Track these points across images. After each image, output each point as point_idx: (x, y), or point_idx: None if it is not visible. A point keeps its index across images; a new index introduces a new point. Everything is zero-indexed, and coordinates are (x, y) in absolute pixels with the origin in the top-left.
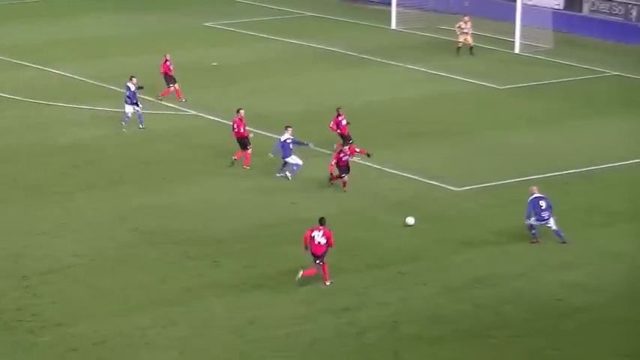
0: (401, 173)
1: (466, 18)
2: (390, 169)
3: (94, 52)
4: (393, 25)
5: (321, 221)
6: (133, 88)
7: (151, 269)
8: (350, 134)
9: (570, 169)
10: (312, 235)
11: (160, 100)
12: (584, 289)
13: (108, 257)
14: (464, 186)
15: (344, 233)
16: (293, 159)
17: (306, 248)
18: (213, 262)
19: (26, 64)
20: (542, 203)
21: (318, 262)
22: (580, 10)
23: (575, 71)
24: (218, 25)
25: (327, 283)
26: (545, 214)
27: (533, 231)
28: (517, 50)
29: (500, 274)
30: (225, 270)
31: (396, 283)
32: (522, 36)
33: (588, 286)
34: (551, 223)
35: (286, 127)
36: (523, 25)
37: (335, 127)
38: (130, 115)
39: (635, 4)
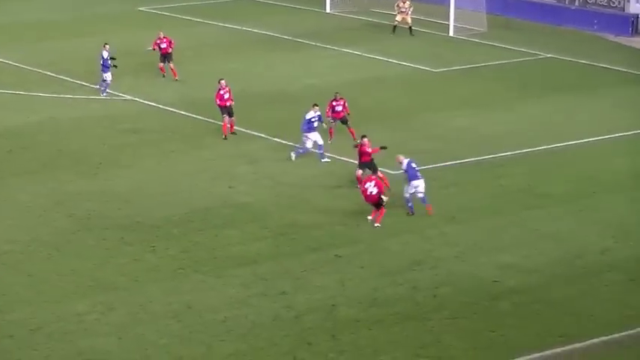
0: (338, 157)
1: None
2: (327, 152)
3: (27, 36)
4: (328, 9)
5: (374, 169)
6: (105, 55)
7: (88, 255)
8: (347, 118)
9: (505, 152)
10: (366, 187)
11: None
12: (519, 271)
13: (44, 243)
14: (399, 169)
15: (280, 217)
16: (315, 136)
17: (366, 199)
18: (150, 247)
19: None
20: (414, 165)
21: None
22: None
23: (509, 54)
24: (152, 9)
25: (376, 225)
26: (419, 174)
27: (410, 203)
28: (451, 33)
29: (437, 256)
30: (162, 255)
31: (333, 267)
32: (456, 19)
33: (524, 267)
34: (422, 188)
35: (313, 105)
36: (457, 8)
37: (329, 112)
38: (109, 80)
39: None
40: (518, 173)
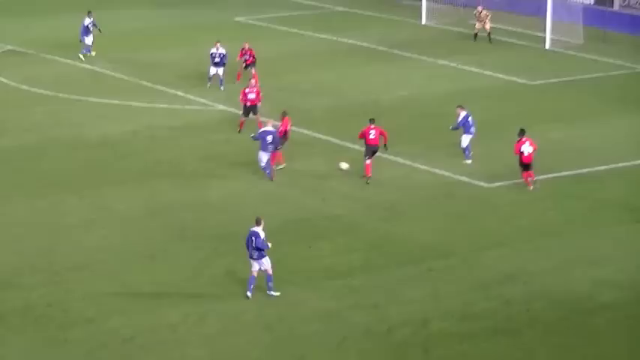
0: (431, 169)
1: (479, 8)
2: (421, 164)
3: (125, 46)
4: (424, 21)
5: (522, 132)
6: (86, 22)
7: (181, 265)
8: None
9: (602, 165)
10: (521, 149)
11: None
12: (614, 286)
13: (138, 253)
14: (494, 182)
15: (373, 230)
16: None
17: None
18: (243, 259)
19: (57, 58)
20: (269, 138)
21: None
22: (611, 6)
23: (606, 67)
24: (249, 20)
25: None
26: (271, 147)
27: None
28: (547, 46)
29: (531, 270)
30: None
31: (425, 280)
32: (553, 31)
33: (619, 282)
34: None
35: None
36: (554, 21)
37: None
38: (90, 45)
39: None
40: (615, 187)
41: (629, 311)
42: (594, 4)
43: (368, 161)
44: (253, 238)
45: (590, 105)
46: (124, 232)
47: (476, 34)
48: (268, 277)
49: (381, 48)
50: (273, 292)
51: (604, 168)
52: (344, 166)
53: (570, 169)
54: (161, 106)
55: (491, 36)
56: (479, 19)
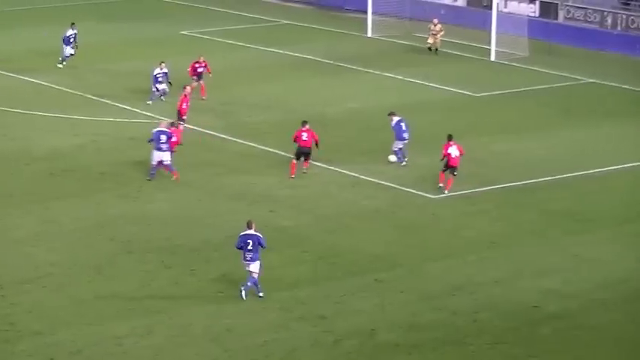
0: (377, 181)
1: (435, 21)
2: (367, 176)
3: (70, 60)
4: (369, 33)
5: (450, 137)
6: (68, 33)
7: (129, 278)
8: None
9: (548, 177)
10: (448, 151)
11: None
12: (560, 296)
13: (85, 266)
14: (440, 194)
15: (320, 241)
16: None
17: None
18: (190, 271)
19: (2, 72)
20: (163, 137)
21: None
22: (556, 18)
23: (551, 78)
24: (194, 33)
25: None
26: (164, 146)
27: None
28: (493, 58)
29: (477, 281)
30: (202, 278)
31: (373, 291)
32: (498, 43)
33: (565, 292)
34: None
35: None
36: (498, 33)
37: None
38: (68, 55)
39: (611, 12)
40: (560, 198)
41: (575, 321)
42: (539, 16)
43: (295, 161)
44: (250, 241)
45: (536, 116)
46: (70, 245)
47: (430, 48)
48: (253, 280)
49: (327, 61)
50: (260, 294)
51: (549, 179)
52: (392, 159)
53: (516, 180)
54: (107, 119)
55: (438, 49)
56: (432, 32)
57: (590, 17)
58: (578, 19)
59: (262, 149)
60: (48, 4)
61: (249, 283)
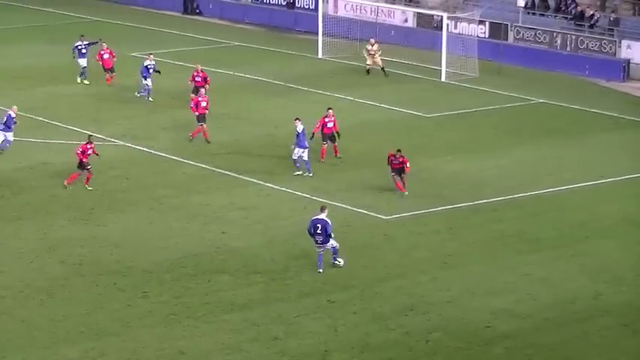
0: (329, 202)
1: (372, 41)
2: (318, 197)
3: (18, 82)
4: (320, 54)
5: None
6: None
7: (80, 301)
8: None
9: (497, 197)
10: (390, 159)
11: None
12: (512, 316)
13: (36, 289)
14: (393, 214)
15: (272, 262)
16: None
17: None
18: (142, 293)
19: None
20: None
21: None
22: (505, 39)
23: (500, 99)
24: (144, 55)
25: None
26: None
27: (298, 164)
28: (443, 78)
29: (429, 301)
30: (155, 301)
31: (325, 312)
32: (448, 64)
33: (516, 312)
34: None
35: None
36: (449, 54)
37: (319, 127)
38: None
39: (560, 32)
40: (510, 218)
41: (527, 340)
42: (489, 37)
43: (325, 145)
44: (319, 225)
45: (486, 137)
46: (20, 268)
47: (368, 70)
48: (334, 249)
49: (277, 82)
50: (339, 260)
51: (500, 199)
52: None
53: (467, 200)
54: (57, 141)
55: (386, 69)
56: (370, 52)
57: (539, 38)
58: (528, 40)
59: (213, 170)
60: None
61: (329, 260)
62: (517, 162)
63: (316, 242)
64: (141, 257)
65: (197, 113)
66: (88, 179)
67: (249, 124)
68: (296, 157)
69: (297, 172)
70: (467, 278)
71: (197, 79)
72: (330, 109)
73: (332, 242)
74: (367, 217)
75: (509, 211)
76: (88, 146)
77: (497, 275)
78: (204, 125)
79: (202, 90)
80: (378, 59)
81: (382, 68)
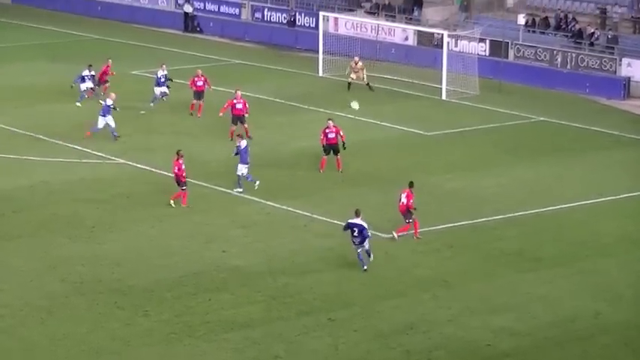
0: (329, 220)
1: (356, 59)
2: (320, 215)
3: (19, 100)
4: (321, 72)
5: (410, 184)
6: (84, 73)
7: (81, 319)
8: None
9: (498, 215)
10: (400, 196)
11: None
12: (512, 334)
13: (36, 308)
14: (393, 232)
15: (273, 281)
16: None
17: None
18: (143, 312)
19: None
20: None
21: (407, 221)
22: (506, 57)
23: (501, 117)
24: (145, 73)
25: (396, 235)
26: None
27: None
28: (444, 96)
29: (430, 319)
30: (155, 319)
31: (326, 330)
32: (449, 82)
33: (516, 331)
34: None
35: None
36: (449, 72)
37: (324, 139)
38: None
39: (560, 50)
40: (511, 236)
41: (527, 359)
42: (489, 55)
43: (325, 157)
44: (356, 229)
45: (486, 154)
46: (21, 286)
47: (349, 84)
48: (368, 252)
49: (278, 100)
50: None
51: (500, 217)
52: (355, 105)
53: (467, 218)
54: (58, 159)
55: (371, 84)
56: (354, 69)
57: (540, 56)
58: (528, 58)
59: (213, 189)
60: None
61: (365, 259)
62: (517, 180)
63: (354, 243)
64: (141, 276)
65: (233, 115)
66: (184, 198)
67: (250, 142)
68: (240, 174)
69: (238, 189)
70: (467, 297)
71: (198, 83)
72: (329, 119)
73: (367, 244)
74: None
75: (510, 230)
76: (180, 161)
77: (497, 294)
78: (245, 125)
79: (239, 92)
80: (362, 74)
81: (367, 84)
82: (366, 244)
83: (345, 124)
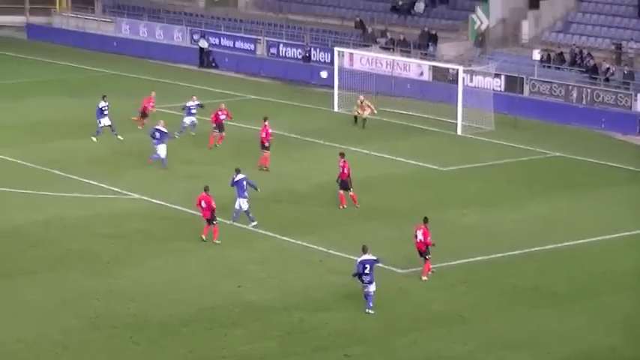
0: (345, 255)
1: (362, 97)
2: (335, 250)
3: (34, 135)
4: (336, 108)
5: (425, 220)
6: (101, 105)
7: (96, 354)
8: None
9: (513, 250)
10: (415, 233)
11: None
12: None
13: (52, 342)
14: (408, 267)
15: (288, 316)
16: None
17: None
18: (159, 347)
19: None
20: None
21: (426, 257)
22: (521, 92)
23: (516, 152)
24: (162, 108)
25: (423, 278)
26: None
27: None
28: (459, 132)
29: (445, 355)
30: (171, 354)
31: None
32: (464, 118)
33: None
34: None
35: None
36: (464, 107)
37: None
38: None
39: (576, 86)
40: (526, 272)
41: None
42: (504, 90)
43: (342, 192)
44: (368, 265)
45: (502, 190)
46: (36, 322)
47: (356, 118)
48: (370, 297)
49: (293, 135)
50: (370, 311)
51: (516, 253)
52: (324, 74)
53: (483, 254)
54: (73, 195)
55: (369, 117)
56: (360, 106)
57: (555, 91)
58: (544, 93)
59: (229, 224)
60: (15, 80)
61: (370, 304)
62: (532, 215)
63: (363, 282)
64: (157, 310)
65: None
66: (215, 233)
67: (265, 177)
68: (238, 207)
69: (253, 223)
70: (483, 332)
71: (221, 117)
72: (341, 154)
73: (372, 287)
74: (383, 270)
75: (525, 265)
76: (203, 194)
77: (513, 329)
78: (266, 153)
79: (267, 122)
80: (368, 111)
81: (363, 119)
82: (372, 288)
83: (360, 159)
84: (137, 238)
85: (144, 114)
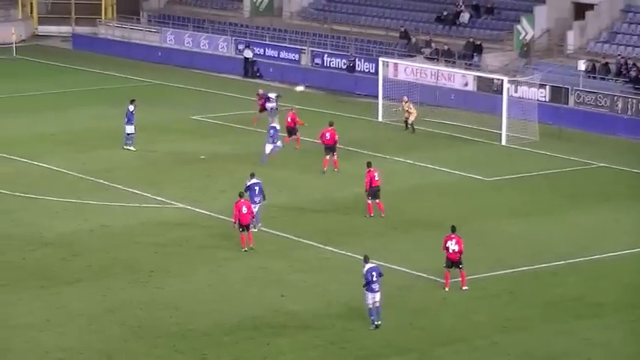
0: (387, 265)
1: (405, 97)
2: (377, 260)
3: (79, 145)
4: (380, 118)
5: (453, 229)
6: (131, 109)
7: None
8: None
9: (558, 261)
10: (447, 245)
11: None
12: None
13: (95, 351)
14: (450, 278)
15: (331, 326)
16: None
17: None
18: (202, 356)
19: (14, 157)
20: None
21: (459, 267)
22: (566, 102)
23: (560, 163)
24: (205, 118)
25: (464, 288)
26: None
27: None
28: (504, 142)
29: None
30: None
31: None
32: (508, 128)
33: None
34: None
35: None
36: (509, 118)
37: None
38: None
39: (621, 96)
40: (570, 282)
41: None
42: (549, 101)
43: (369, 201)
44: (374, 272)
45: (546, 200)
46: (80, 331)
47: (406, 122)
48: (377, 310)
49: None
50: (378, 322)
51: (560, 263)
52: (299, 88)
53: (526, 264)
54: (117, 204)
55: (415, 126)
56: (406, 109)
57: (600, 102)
58: (589, 104)
59: (272, 233)
60: (59, 89)
61: (373, 317)
62: (577, 226)
63: (373, 291)
64: (200, 320)
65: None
66: (250, 239)
67: (309, 187)
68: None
69: (254, 228)
70: (526, 343)
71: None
72: (368, 163)
73: (379, 296)
74: (425, 280)
75: (569, 275)
76: (242, 201)
77: (556, 340)
78: (334, 155)
79: (332, 127)
80: (412, 116)
81: (410, 124)
82: (378, 297)
83: (403, 169)
84: (180, 247)
85: (293, 129)
